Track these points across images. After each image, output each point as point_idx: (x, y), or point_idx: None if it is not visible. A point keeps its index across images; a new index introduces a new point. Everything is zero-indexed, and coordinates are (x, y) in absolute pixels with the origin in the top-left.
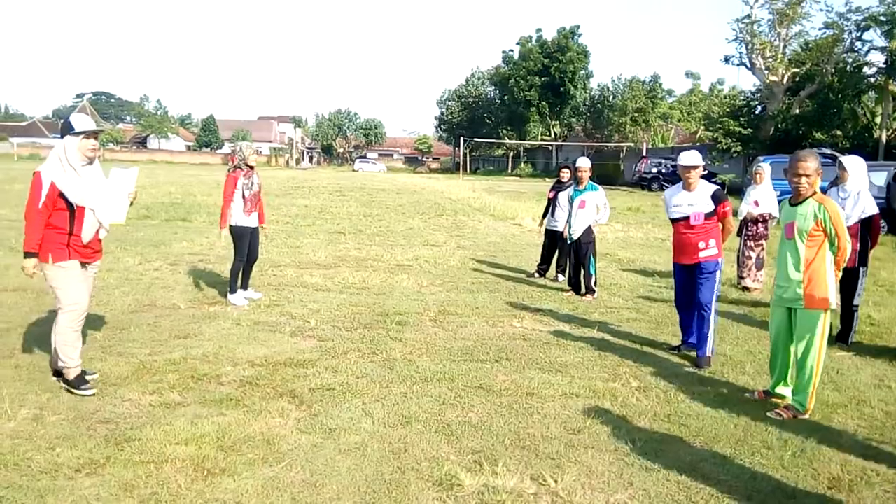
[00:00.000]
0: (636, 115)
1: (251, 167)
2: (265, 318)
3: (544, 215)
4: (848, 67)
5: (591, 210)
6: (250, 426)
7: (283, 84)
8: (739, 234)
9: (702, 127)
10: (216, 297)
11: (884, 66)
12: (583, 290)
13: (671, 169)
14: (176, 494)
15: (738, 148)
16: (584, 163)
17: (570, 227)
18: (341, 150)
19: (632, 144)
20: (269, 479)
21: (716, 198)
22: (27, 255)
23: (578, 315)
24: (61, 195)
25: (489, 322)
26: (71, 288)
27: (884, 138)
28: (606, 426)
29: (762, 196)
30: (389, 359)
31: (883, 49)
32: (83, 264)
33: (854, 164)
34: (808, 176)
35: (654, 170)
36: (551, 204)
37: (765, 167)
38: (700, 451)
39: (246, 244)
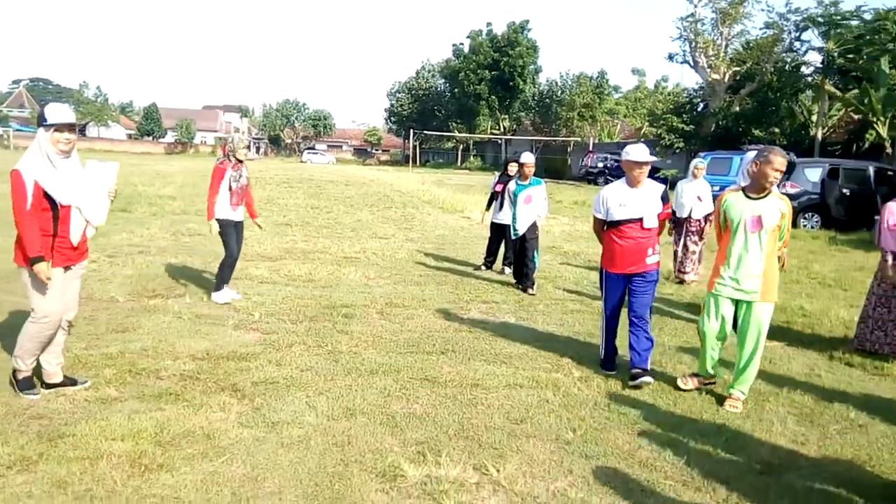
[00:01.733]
0: (583, 110)
1: (240, 161)
2: (207, 311)
3: (488, 207)
4: (786, 67)
5: (537, 206)
6: (190, 421)
7: (229, 73)
8: (679, 229)
9: (647, 123)
10: (156, 289)
11: (820, 65)
12: (527, 282)
13: (616, 164)
14: (112, 490)
15: (681, 144)
16: (528, 158)
17: (514, 222)
18: (289, 141)
19: (579, 139)
20: (209, 473)
21: (664, 198)
22: (34, 260)
23: (524, 307)
24: (45, 195)
25: (435, 314)
26: (46, 297)
27: (819, 136)
28: (548, 416)
29: (703, 191)
30: (335, 351)
31: (820, 49)
32: (67, 268)
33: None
34: (782, 172)
35: (601, 164)
36: (499, 197)
37: (704, 164)
38: (638, 438)
39: (232, 238)
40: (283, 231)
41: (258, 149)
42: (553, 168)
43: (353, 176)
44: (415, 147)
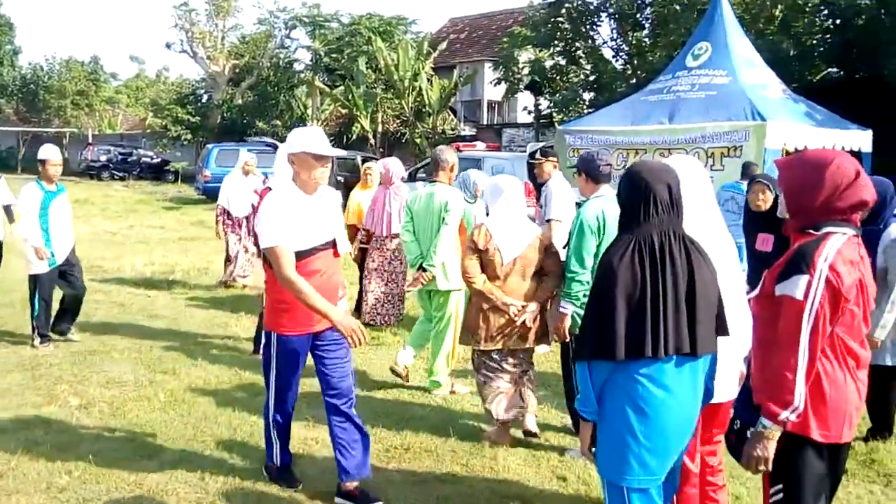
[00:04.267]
0: (78, 98)
1: None
2: None
3: None
4: (281, 63)
5: (69, 218)
6: None
7: None
8: (237, 229)
9: (151, 114)
10: None
11: (310, 63)
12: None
13: (121, 157)
14: None
15: (189, 136)
16: (51, 154)
17: (50, 246)
18: None
19: (76, 130)
20: None
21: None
22: None
23: (7, 330)
24: None
25: None
26: None
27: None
28: (37, 461)
29: (259, 186)
30: None
31: (308, 48)
32: None
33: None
34: None
35: (104, 157)
36: None
37: (255, 158)
38: (148, 462)
39: None
40: None
41: None
42: None
43: None
44: None
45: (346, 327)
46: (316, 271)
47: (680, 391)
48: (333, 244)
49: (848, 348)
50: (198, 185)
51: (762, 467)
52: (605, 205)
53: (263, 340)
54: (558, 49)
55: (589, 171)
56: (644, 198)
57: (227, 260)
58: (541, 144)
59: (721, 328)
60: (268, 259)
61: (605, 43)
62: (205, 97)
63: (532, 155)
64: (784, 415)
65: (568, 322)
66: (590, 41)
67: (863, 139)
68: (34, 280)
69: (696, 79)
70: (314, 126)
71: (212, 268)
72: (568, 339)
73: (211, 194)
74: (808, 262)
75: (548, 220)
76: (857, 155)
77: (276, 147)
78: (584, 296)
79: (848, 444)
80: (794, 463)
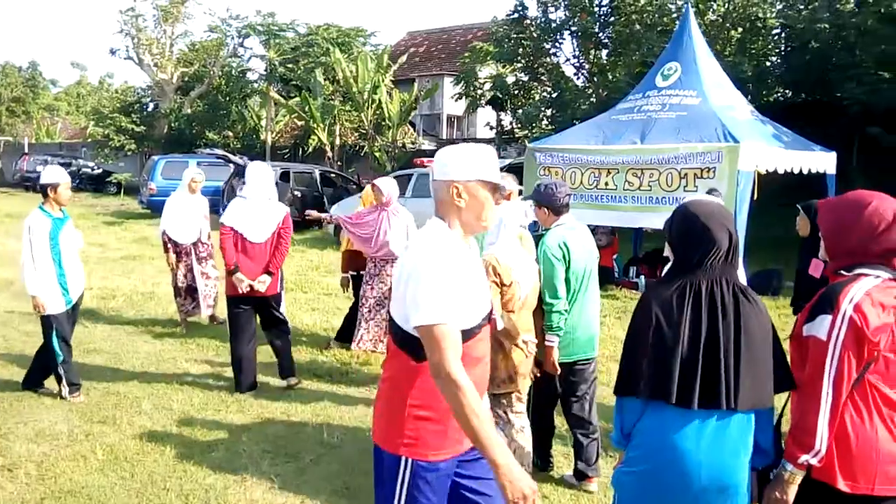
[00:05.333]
0: (13, 105)
1: None
2: None
3: None
4: (233, 72)
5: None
6: None
7: None
8: (185, 258)
9: (92, 122)
10: None
11: (265, 73)
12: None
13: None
14: None
15: (133, 146)
16: (58, 177)
17: (64, 283)
18: None
19: (11, 139)
20: None
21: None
22: None
23: None
24: None
25: None
26: None
27: (269, 140)
28: None
29: (206, 208)
30: None
31: (263, 57)
32: None
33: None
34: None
35: (41, 168)
36: None
37: (203, 175)
38: None
39: None
40: None
41: None
42: None
43: None
44: None
45: (515, 487)
46: (478, 359)
47: (716, 448)
48: (492, 316)
49: (884, 397)
50: (142, 198)
51: None
52: (567, 232)
53: (386, 466)
54: (521, 65)
55: (551, 204)
56: (703, 246)
57: (177, 294)
58: (507, 161)
59: (784, 381)
60: (404, 341)
61: (567, 61)
62: (151, 106)
63: None
64: (804, 458)
65: (556, 355)
66: (552, 58)
67: (828, 161)
68: (49, 322)
69: (666, 98)
70: (479, 145)
71: (157, 291)
72: (558, 372)
73: (156, 208)
74: (832, 303)
75: None
76: (821, 177)
77: (228, 160)
78: (565, 324)
79: (884, 499)
80: None
